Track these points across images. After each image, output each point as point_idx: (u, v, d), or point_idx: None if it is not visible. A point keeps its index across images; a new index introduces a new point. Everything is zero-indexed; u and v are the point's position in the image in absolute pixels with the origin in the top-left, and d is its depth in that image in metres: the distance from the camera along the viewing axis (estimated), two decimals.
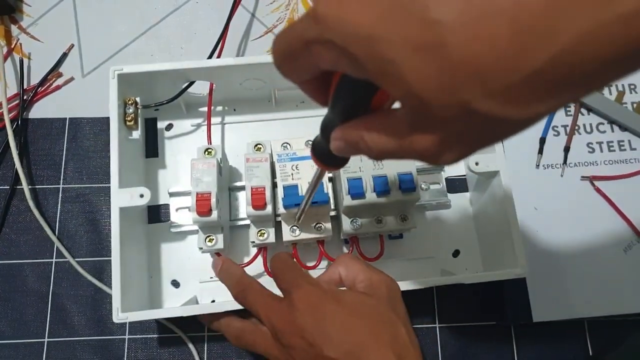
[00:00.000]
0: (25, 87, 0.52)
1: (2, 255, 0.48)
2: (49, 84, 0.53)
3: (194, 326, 0.47)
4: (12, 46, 0.54)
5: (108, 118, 0.51)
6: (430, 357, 0.47)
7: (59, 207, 0.50)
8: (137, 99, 0.46)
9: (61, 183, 0.51)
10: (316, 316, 0.34)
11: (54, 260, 0.49)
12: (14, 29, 0.55)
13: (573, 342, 0.48)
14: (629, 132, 0.52)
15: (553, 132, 0.52)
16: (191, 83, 0.48)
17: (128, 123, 0.45)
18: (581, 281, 0.48)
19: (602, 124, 0.53)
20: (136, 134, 0.47)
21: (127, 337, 0.47)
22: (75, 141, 0.52)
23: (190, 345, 0.47)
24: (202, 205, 0.41)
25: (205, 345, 0.47)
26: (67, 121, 0.52)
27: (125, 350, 0.47)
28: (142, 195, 0.42)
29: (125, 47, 0.55)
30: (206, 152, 0.46)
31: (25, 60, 0.53)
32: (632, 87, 0.54)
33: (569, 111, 0.53)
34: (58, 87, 0.53)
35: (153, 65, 0.45)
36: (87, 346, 0.47)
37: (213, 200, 0.42)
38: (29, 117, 0.52)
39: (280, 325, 0.35)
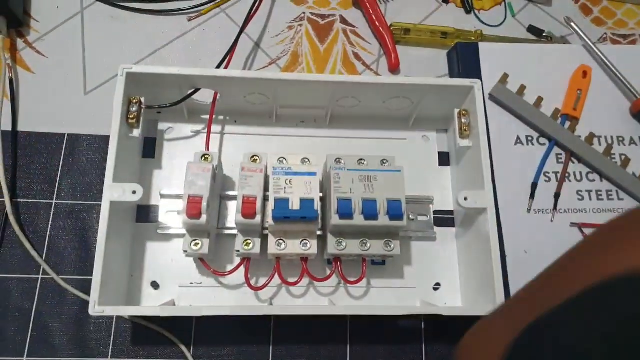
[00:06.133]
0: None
1: None
2: None
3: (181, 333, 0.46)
4: (15, 60, 0.54)
5: (107, 136, 0.51)
6: None
7: (50, 222, 0.49)
8: (142, 99, 0.47)
9: (54, 198, 0.50)
10: None
11: (40, 276, 0.48)
12: (20, 43, 0.55)
13: None
14: (614, 185, 0.54)
15: (544, 177, 0.53)
16: (196, 90, 0.49)
17: (130, 121, 0.46)
18: None
19: (592, 173, 0.54)
20: (136, 132, 0.47)
21: None
22: (72, 157, 0.51)
23: None
24: (193, 208, 0.42)
25: None
26: (66, 137, 0.52)
27: None
28: (134, 192, 0.43)
29: None
30: (203, 158, 0.46)
31: (30, 75, 0.54)
32: (621, 139, 0.55)
33: (560, 158, 0.54)
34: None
35: (162, 68, 0.47)
36: None
37: (204, 204, 0.42)
38: (28, 130, 0.52)
39: None
